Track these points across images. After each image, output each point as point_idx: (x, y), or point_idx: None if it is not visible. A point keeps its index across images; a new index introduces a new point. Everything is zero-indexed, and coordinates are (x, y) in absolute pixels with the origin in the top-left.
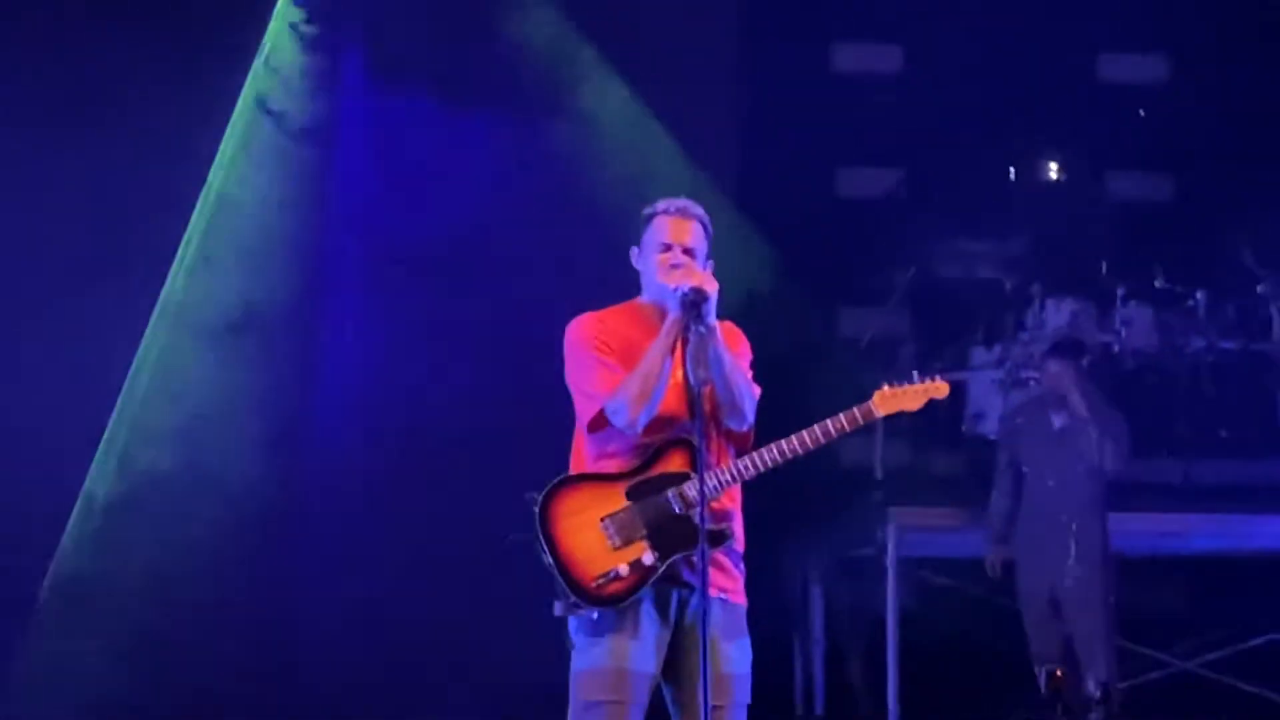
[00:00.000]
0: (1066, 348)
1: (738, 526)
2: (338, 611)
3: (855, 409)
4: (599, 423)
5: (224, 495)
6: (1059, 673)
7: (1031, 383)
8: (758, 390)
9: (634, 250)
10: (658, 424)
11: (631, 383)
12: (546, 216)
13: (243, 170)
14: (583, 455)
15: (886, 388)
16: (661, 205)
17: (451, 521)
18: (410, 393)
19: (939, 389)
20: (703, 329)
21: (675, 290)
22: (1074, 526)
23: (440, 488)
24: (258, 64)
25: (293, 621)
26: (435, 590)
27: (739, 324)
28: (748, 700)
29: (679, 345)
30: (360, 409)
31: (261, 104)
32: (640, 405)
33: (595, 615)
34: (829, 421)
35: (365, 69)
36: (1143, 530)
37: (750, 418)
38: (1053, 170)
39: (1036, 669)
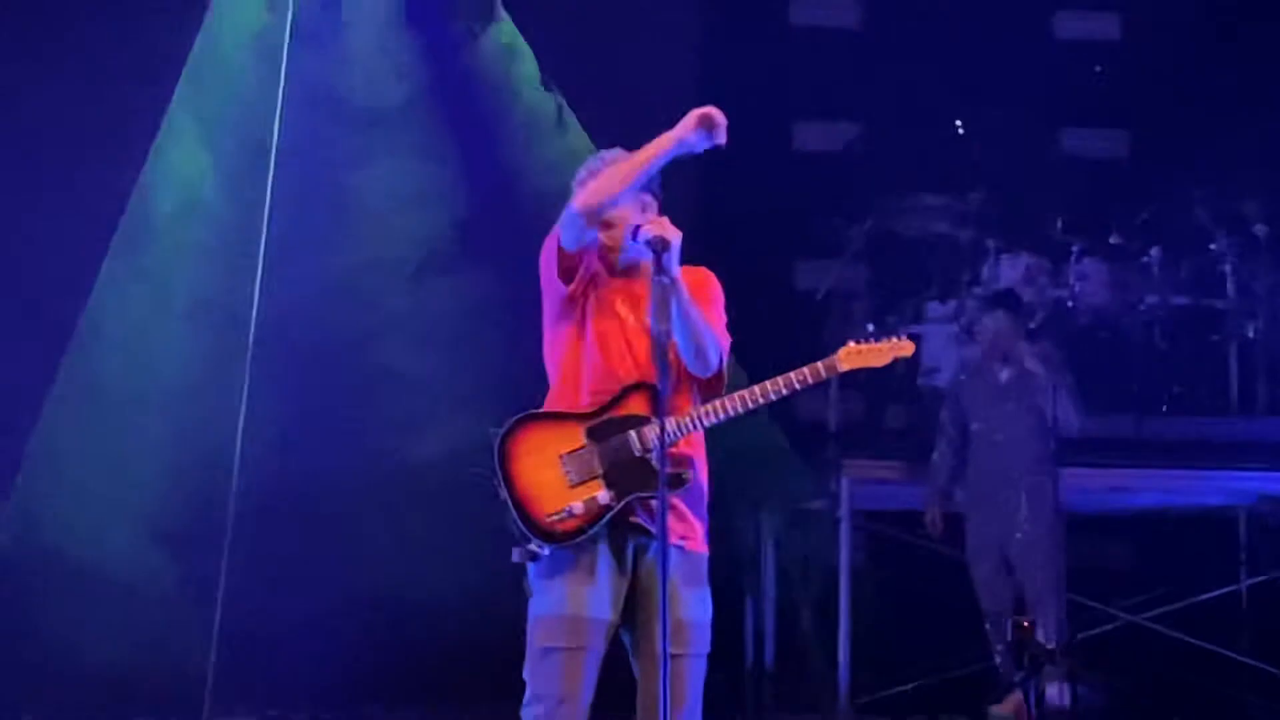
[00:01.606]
0: (1003, 301)
1: (701, 473)
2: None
3: (819, 363)
4: (560, 266)
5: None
6: (1026, 623)
7: (979, 341)
8: (728, 339)
9: None
10: (627, 367)
11: (598, 179)
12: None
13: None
14: (551, 396)
15: (853, 344)
16: (608, 155)
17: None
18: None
19: (905, 348)
20: (665, 279)
21: (639, 237)
22: (1024, 482)
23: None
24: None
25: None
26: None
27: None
28: (707, 649)
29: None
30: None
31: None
32: (595, 198)
33: (547, 551)
34: (792, 374)
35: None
36: (1093, 486)
37: (714, 365)
38: (1008, 126)
39: (987, 624)
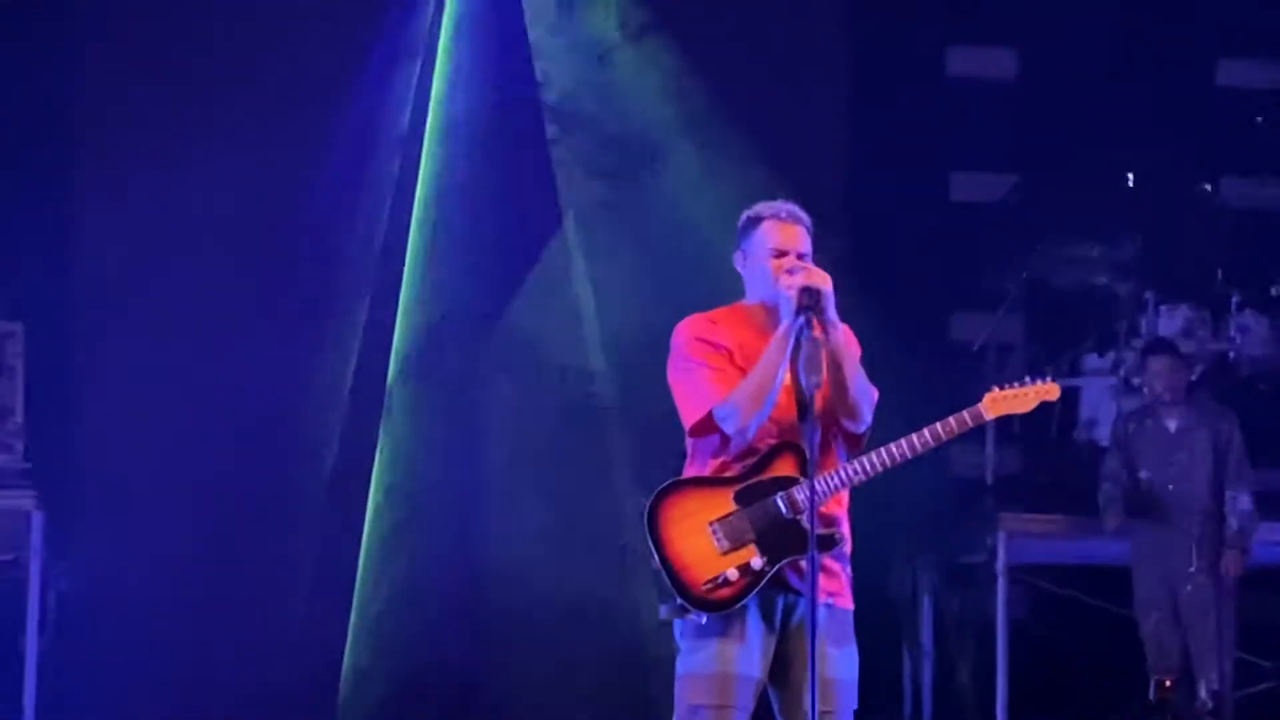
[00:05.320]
0: (1163, 348)
1: (845, 529)
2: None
3: (965, 412)
4: (703, 427)
5: None
6: (1168, 683)
7: (1144, 390)
8: (875, 392)
9: (737, 255)
10: (769, 427)
11: (745, 388)
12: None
13: None
14: (695, 460)
15: (997, 390)
16: (768, 210)
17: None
18: None
19: (1050, 391)
20: (816, 333)
21: (795, 292)
22: (1195, 532)
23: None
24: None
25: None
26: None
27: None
28: (854, 706)
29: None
30: None
31: None
32: (753, 412)
33: (704, 620)
34: (938, 425)
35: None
36: (1258, 540)
37: (868, 419)
38: (1168, 175)
39: (1152, 678)
